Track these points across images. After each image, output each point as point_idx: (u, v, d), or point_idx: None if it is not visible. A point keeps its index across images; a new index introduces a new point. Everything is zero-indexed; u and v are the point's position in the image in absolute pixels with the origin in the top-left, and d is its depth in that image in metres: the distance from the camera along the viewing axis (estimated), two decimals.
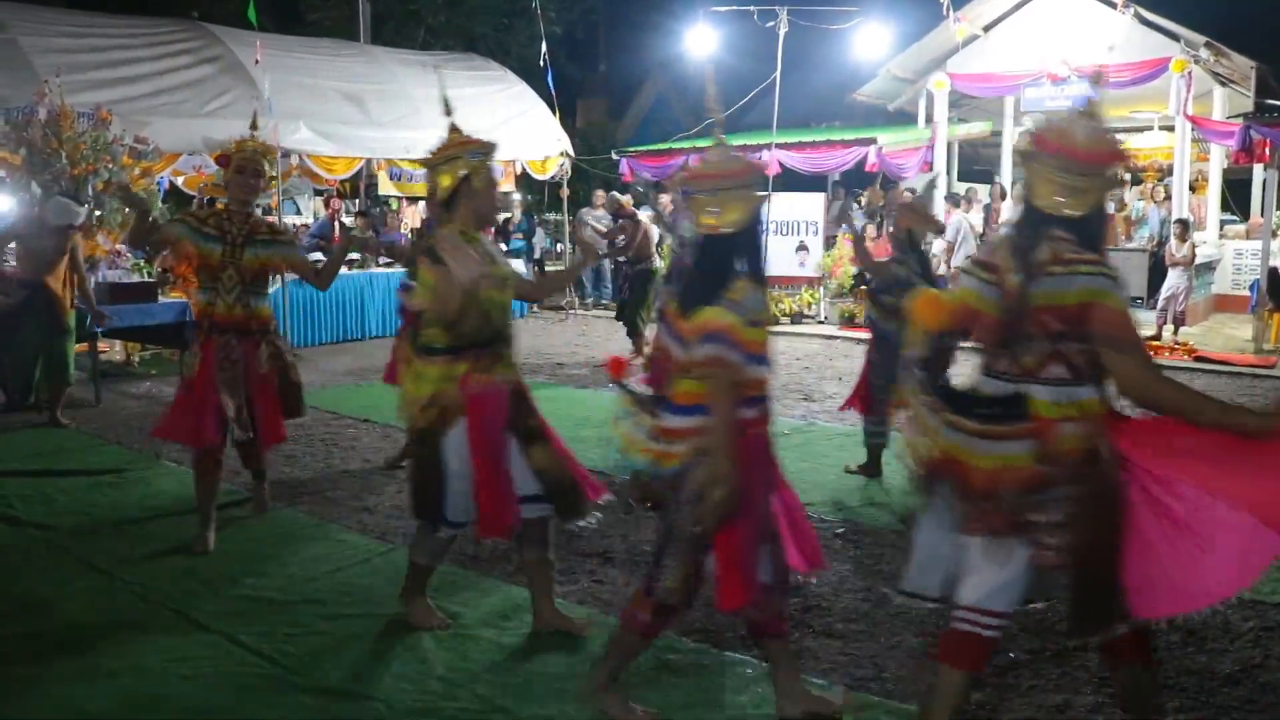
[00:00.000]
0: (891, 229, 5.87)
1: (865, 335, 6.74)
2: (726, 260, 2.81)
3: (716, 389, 2.72)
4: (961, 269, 2.73)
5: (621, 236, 11.12)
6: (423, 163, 3.75)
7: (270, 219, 5.19)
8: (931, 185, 5.82)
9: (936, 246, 13.18)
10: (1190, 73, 12.87)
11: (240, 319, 4.69)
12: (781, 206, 12.80)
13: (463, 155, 3.59)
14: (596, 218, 14.17)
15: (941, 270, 12.94)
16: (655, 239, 11.04)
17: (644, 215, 11.40)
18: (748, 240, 2.87)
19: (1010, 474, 2.51)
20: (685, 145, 15.46)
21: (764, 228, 2.83)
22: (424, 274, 3.49)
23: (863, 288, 12.80)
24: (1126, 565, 2.48)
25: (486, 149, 3.66)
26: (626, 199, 11.99)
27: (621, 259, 11.35)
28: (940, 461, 2.63)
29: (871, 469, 5.93)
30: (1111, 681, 2.75)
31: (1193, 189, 14.61)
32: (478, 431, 3.50)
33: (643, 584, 3.01)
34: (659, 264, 10.84)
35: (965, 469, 2.57)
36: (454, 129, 3.68)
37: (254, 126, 5.00)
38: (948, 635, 2.67)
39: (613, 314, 11.96)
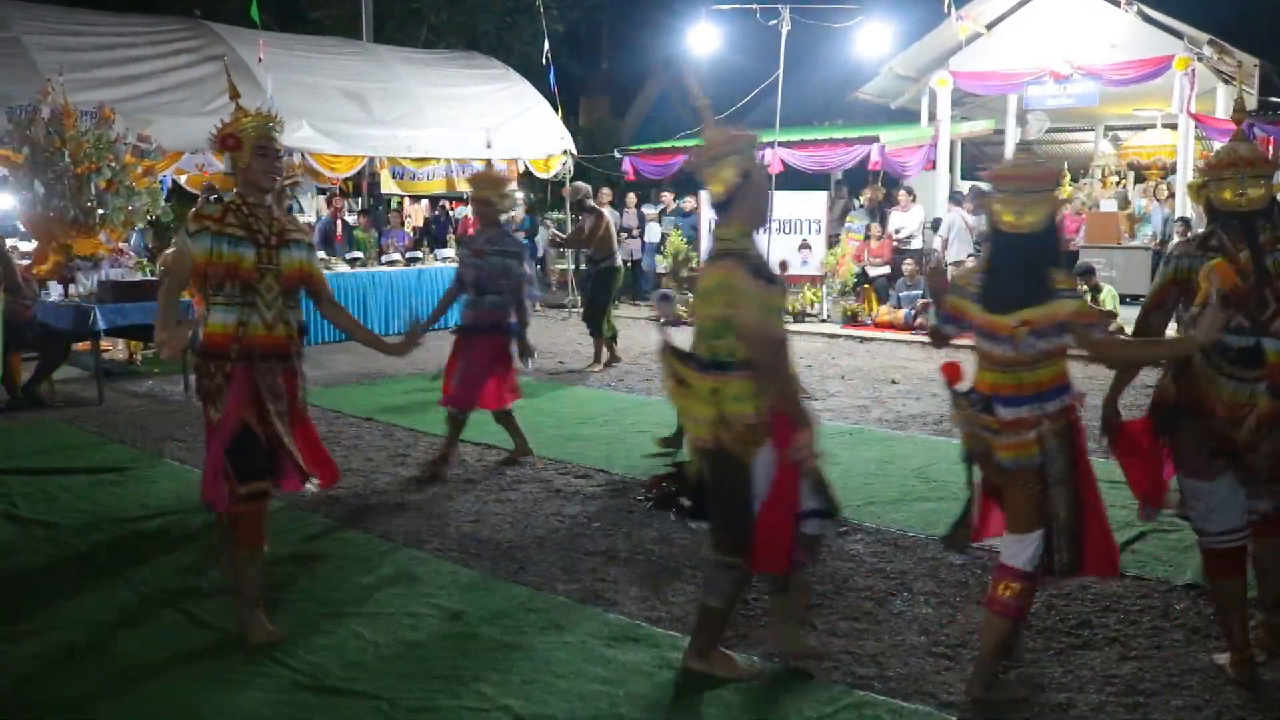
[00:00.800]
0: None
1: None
2: (1033, 257, 3.04)
3: (1127, 348, 3.46)
4: (1183, 255, 3.34)
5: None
6: (692, 162, 3.38)
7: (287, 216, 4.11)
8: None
9: (935, 242, 13.22)
10: (1193, 70, 12.85)
11: (283, 341, 3.69)
12: (784, 205, 12.78)
13: (738, 150, 3.19)
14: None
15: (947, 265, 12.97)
16: (616, 234, 10.66)
17: (610, 211, 11.02)
18: (1047, 238, 3.07)
19: (1249, 408, 3.17)
20: (689, 143, 15.46)
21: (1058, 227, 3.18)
22: (739, 281, 3.09)
23: (867, 284, 12.88)
24: None
25: (754, 139, 3.29)
26: (587, 188, 11.27)
27: (590, 261, 10.66)
28: (1191, 398, 3.25)
29: (677, 440, 6.02)
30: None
31: None
32: (786, 454, 3.15)
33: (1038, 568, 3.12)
34: (620, 262, 10.71)
35: (1213, 403, 3.21)
36: (709, 122, 3.29)
37: (235, 95, 4.03)
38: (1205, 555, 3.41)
39: (617, 313, 11.86)
